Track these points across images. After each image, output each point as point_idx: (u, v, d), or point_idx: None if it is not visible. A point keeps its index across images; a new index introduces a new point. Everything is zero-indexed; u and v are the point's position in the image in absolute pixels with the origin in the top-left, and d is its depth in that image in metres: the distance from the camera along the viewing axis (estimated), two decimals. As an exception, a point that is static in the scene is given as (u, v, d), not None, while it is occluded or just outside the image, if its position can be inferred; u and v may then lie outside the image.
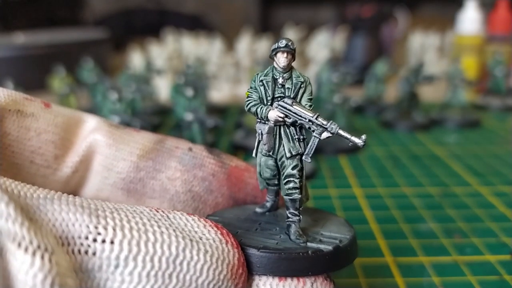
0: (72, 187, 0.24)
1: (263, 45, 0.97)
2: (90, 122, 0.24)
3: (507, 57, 0.78)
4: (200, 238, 0.17)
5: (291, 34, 1.03)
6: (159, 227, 0.16)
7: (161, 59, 0.87)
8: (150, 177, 0.24)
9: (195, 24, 1.44)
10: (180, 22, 1.37)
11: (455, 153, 0.51)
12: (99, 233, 0.15)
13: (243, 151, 0.51)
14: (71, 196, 0.16)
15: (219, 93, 0.77)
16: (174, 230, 0.16)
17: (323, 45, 1.01)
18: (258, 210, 0.23)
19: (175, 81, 0.61)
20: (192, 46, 1.00)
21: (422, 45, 1.03)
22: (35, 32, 1.04)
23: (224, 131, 0.60)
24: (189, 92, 0.53)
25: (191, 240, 0.16)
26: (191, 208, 0.24)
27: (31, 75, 0.79)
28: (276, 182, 0.22)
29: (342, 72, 0.62)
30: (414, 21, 1.25)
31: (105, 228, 0.15)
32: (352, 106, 0.57)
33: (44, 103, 0.23)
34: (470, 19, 0.79)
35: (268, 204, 0.23)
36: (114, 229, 0.15)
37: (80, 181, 0.24)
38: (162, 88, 0.77)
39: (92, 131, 0.24)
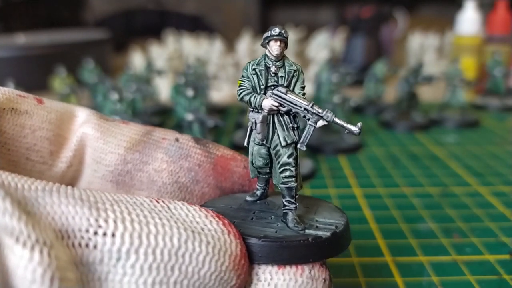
0: (67, 181, 0.24)
1: (263, 46, 0.97)
2: (81, 115, 0.24)
3: (506, 58, 0.78)
4: (202, 229, 0.17)
5: (291, 34, 1.03)
6: (160, 219, 0.16)
7: (162, 60, 0.87)
8: (137, 169, 0.24)
9: (196, 25, 1.44)
10: (180, 23, 1.37)
11: (454, 153, 0.52)
12: (100, 226, 0.15)
13: (243, 150, 0.51)
14: (69, 188, 0.16)
15: (219, 94, 0.78)
16: (175, 222, 0.16)
17: (322, 46, 1.01)
18: (249, 198, 0.23)
19: (175, 82, 0.61)
20: (193, 47, 1.01)
21: (421, 46, 1.03)
22: (36, 33, 1.04)
23: (224, 131, 0.60)
24: (190, 92, 0.53)
25: (193, 232, 0.16)
26: (178, 199, 0.24)
27: (32, 76, 0.79)
28: (268, 171, 0.22)
29: (341, 72, 0.62)
30: (413, 21, 1.25)
31: (106, 221, 0.15)
32: (352, 106, 0.57)
33: (37, 99, 0.23)
34: (469, 20, 0.79)
35: (259, 193, 0.23)
36: (115, 222, 0.15)
37: (74, 175, 0.24)
38: (163, 88, 0.77)
39: (81, 125, 0.24)
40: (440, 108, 0.65)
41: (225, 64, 0.86)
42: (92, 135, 0.24)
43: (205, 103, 0.57)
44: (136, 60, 0.92)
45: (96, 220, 0.15)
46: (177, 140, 0.24)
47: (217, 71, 0.84)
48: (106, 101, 0.53)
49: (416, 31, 1.08)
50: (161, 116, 0.67)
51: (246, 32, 1.00)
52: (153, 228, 0.16)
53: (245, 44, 0.94)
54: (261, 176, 0.22)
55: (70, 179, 0.24)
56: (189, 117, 0.48)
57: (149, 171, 0.24)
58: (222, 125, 0.50)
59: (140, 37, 1.32)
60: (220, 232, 0.17)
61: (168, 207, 0.17)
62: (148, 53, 0.98)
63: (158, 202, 0.17)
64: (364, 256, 0.30)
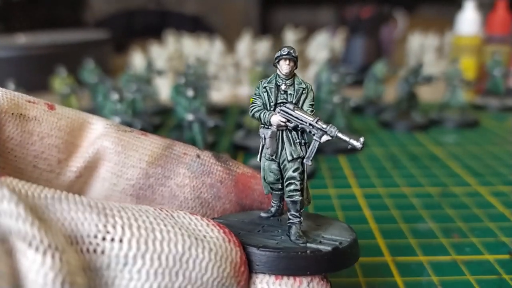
0: (75, 192, 0.23)
1: (263, 46, 0.97)
2: (96, 125, 0.24)
3: (506, 58, 0.78)
4: (204, 237, 0.17)
5: (291, 35, 1.03)
6: (165, 225, 0.17)
7: (162, 60, 0.87)
8: (159, 184, 0.24)
9: (196, 25, 1.44)
10: (180, 23, 1.37)
11: (454, 153, 0.52)
12: (108, 232, 0.15)
13: (243, 151, 0.51)
14: (77, 195, 0.16)
15: (220, 94, 0.78)
16: (179, 229, 0.17)
17: (322, 46, 1.01)
18: (263, 214, 0.23)
19: (175, 82, 0.61)
20: (193, 47, 1.01)
21: (421, 46, 1.03)
22: (37, 33, 1.04)
23: (225, 131, 0.60)
24: (190, 92, 0.53)
25: (196, 238, 0.17)
26: (199, 215, 0.24)
27: (33, 76, 0.79)
28: (280, 187, 0.22)
29: (341, 72, 0.62)
30: (413, 22, 1.25)
31: (114, 227, 0.15)
32: (352, 106, 0.57)
33: (48, 105, 0.23)
34: (468, 20, 0.80)
35: (273, 209, 0.23)
36: (122, 228, 0.15)
37: (83, 187, 0.24)
38: (163, 88, 0.78)
39: (100, 137, 0.24)
40: (440, 108, 0.65)
41: (225, 65, 0.86)
42: (113, 149, 0.23)
43: (205, 103, 0.57)
44: (137, 60, 0.92)
45: (104, 226, 0.15)
46: (198, 156, 0.25)
47: (217, 71, 0.84)
48: (106, 101, 0.53)
49: (416, 31, 1.08)
50: (161, 116, 0.67)
51: (246, 33, 1.00)
52: (159, 235, 0.16)
53: (245, 45, 0.94)
54: (274, 192, 0.23)
55: (78, 190, 0.24)
56: (189, 117, 0.48)
57: (171, 185, 0.24)
58: (222, 125, 0.50)
59: (140, 37, 1.32)
60: (221, 239, 0.18)
61: (171, 215, 0.18)
62: (148, 53, 0.98)
63: (161, 210, 0.18)
64: (363, 256, 0.30)
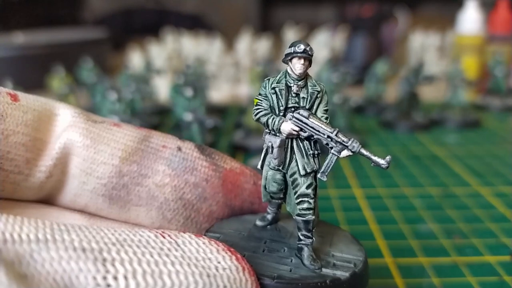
0: (47, 193, 0.21)
1: (263, 45, 0.96)
2: (63, 116, 0.21)
3: (507, 57, 0.78)
4: (217, 269, 0.15)
5: (291, 33, 1.03)
6: (172, 264, 0.15)
7: (161, 59, 0.87)
8: (135, 183, 0.21)
9: (195, 23, 1.44)
10: (179, 22, 1.37)
11: (455, 153, 0.51)
12: (109, 285, 0.13)
13: (242, 151, 0.51)
14: (65, 231, 0.14)
15: (219, 93, 0.77)
16: (188, 265, 0.15)
17: (323, 45, 1.01)
18: (259, 223, 0.22)
19: (174, 81, 0.61)
20: (192, 46, 1.00)
21: (422, 45, 1.03)
22: (35, 32, 1.04)
23: (224, 131, 0.60)
24: (189, 92, 0.53)
25: (208, 276, 0.15)
26: (182, 217, 0.22)
27: (31, 75, 0.78)
28: (282, 196, 0.21)
29: (342, 72, 0.61)
30: (414, 20, 1.25)
31: (115, 278, 0.13)
32: (352, 106, 0.57)
33: (11, 95, 0.20)
34: (470, 19, 0.79)
35: (269, 217, 0.22)
36: (125, 278, 0.13)
37: (56, 186, 0.21)
38: (162, 88, 0.77)
39: (66, 129, 0.21)
40: (441, 108, 0.65)
41: (224, 64, 0.86)
42: (80, 142, 0.21)
43: (205, 103, 0.57)
44: (135, 59, 0.91)
45: (104, 278, 0.13)
46: (179, 149, 0.22)
47: (216, 71, 0.84)
48: (105, 101, 0.53)
49: (417, 30, 1.08)
50: (160, 116, 0.67)
51: (245, 31, 1.00)
52: (168, 280, 0.14)
53: (244, 43, 0.94)
54: (273, 200, 0.21)
55: (50, 190, 0.21)
56: (188, 117, 0.48)
57: (149, 185, 0.21)
58: (221, 125, 0.50)
59: (139, 36, 1.32)
60: (235, 270, 0.16)
61: (176, 242, 0.16)
62: (147, 52, 0.98)
63: (164, 237, 0.16)
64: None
